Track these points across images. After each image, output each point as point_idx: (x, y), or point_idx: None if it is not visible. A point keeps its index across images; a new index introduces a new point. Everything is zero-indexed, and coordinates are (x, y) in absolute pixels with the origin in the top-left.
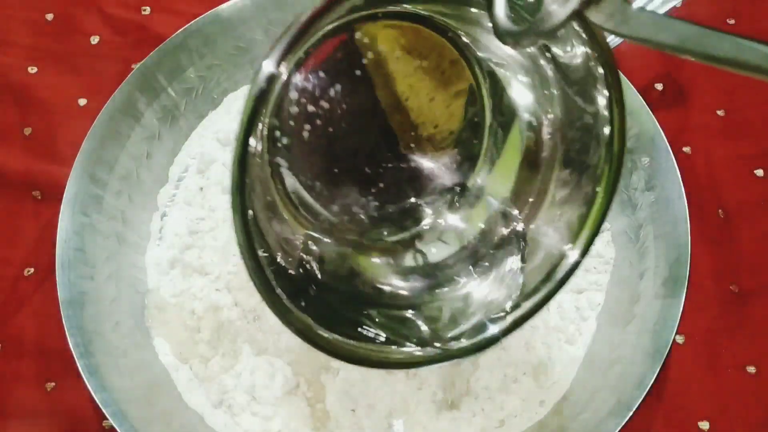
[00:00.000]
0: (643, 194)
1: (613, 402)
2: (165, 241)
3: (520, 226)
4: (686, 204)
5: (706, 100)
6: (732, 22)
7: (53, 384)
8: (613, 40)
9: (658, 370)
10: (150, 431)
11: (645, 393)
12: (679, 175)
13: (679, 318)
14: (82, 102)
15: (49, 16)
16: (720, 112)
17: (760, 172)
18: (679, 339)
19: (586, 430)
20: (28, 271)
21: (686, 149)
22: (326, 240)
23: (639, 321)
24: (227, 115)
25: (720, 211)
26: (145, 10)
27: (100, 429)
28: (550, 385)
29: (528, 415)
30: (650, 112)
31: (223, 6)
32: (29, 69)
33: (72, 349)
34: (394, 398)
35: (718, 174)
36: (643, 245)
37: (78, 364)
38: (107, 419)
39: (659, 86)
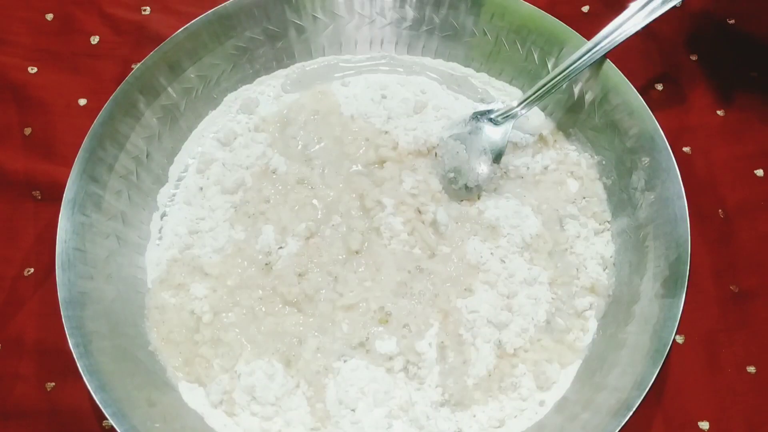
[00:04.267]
0: (643, 194)
1: (613, 402)
2: (165, 241)
3: None
4: (686, 204)
5: (706, 100)
6: (732, 21)
7: (53, 384)
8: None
9: (658, 370)
10: (150, 431)
11: (645, 393)
12: (679, 175)
13: (679, 318)
14: (82, 102)
15: (49, 16)
16: (720, 112)
17: (760, 172)
18: (679, 339)
19: (586, 430)
20: (28, 271)
21: (686, 149)
22: None
23: (639, 321)
24: (227, 115)
25: (720, 211)
26: (145, 10)
27: (100, 429)
28: (550, 386)
29: (528, 415)
30: (650, 112)
31: (223, 6)
32: (29, 69)
33: (72, 350)
34: (393, 398)
35: (718, 174)
36: (643, 245)
37: (78, 365)
38: (107, 419)
39: (659, 86)
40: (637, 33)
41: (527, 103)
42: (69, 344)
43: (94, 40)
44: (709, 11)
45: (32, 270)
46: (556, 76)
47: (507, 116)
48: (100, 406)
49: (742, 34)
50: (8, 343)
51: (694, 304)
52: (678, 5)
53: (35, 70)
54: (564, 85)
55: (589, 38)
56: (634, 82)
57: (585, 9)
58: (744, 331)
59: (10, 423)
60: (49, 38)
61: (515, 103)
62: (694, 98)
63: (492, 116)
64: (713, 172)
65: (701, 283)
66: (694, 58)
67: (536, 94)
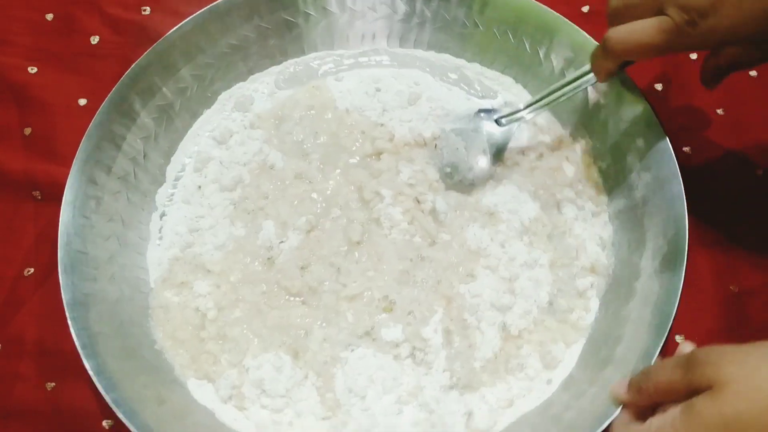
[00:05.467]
0: (638, 175)
1: (620, 376)
2: (165, 241)
3: None
4: (681, 181)
5: (706, 99)
6: None
7: (53, 384)
8: None
9: (663, 341)
10: (163, 429)
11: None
12: (674, 155)
13: (680, 292)
14: (82, 102)
15: (49, 16)
16: (720, 111)
17: (760, 172)
18: (679, 339)
19: (594, 404)
20: (28, 271)
21: (686, 149)
22: None
23: (640, 297)
24: (222, 113)
25: (720, 210)
26: (145, 10)
27: (100, 429)
28: (556, 365)
29: (536, 395)
30: (642, 93)
31: (215, 4)
32: (29, 69)
33: (79, 351)
34: (402, 384)
35: (718, 174)
36: (640, 224)
37: (86, 366)
38: (107, 419)
39: (659, 86)
40: None
41: (534, 108)
42: (75, 345)
43: (94, 40)
44: None
45: (32, 270)
46: (567, 83)
47: (511, 119)
48: (111, 405)
49: None
50: (8, 343)
51: (694, 304)
52: None
53: (35, 70)
54: (576, 93)
55: None
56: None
57: (585, 9)
58: (744, 331)
59: (10, 423)
60: (49, 38)
61: (522, 106)
62: (694, 98)
63: (496, 117)
64: (713, 172)
65: (701, 283)
66: (694, 57)
67: (545, 100)
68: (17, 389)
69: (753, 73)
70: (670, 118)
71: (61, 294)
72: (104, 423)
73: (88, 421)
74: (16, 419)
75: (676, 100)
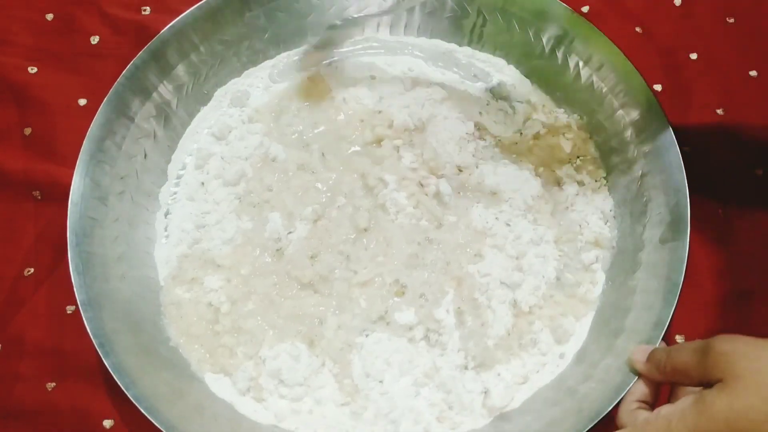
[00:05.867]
0: (636, 147)
1: (634, 344)
2: (172, 238)
3: None
4: (679, 151)
5: (706, 99)
6: (732, 20)
7: (53, 384)
8: None
9: (673, 309)
10: (183, 424)
11: (664, 331)
12: (670, 126)
13: (685, 260)
14: (82, 102)
15: (49, 16)
16: (720, 112)
17: (760, 172)
18: (679, 339)
19: (608, 373)
20: (28, 271)
21: (686, 149)
22: None
23: (646, 267)
24: (219, 110)
25: (720, 211)
26: (145, 10)
27: (100, 429)
28: (568, 338)
29: (550, 369)
30: (634, 67)
31: (206, 1)
32: (29, 69)
33: (97, 349)
34: (418, 366)
35: (718, 174)
36: (641, 195)
37: (106, 364)
38: (108, 419)
39: (659, 86)
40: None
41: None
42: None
43: (94, 40)
44: (709, 10)
45: (32, 270)
46: None
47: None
48: (134, 401)
49: (742, 34)
50: (8, 343)
51: (694, 304)
52: (678, 4)
53: (35, 70)
54: None
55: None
56: None
57: (585, 9)
58: (744, 331)
59: (10, 423)
60: (49, 38)
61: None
62: (693, 98)
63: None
64: (713, 172)
65: (701, 283)
66: (694, 57)
67: None
68: (17, 389)
69: (753, 73)
70: (670, 118)
71: (61, 294)
72: (104, 423)
73: (88, 421)
74: (16, 419)
75: (676, 100)
